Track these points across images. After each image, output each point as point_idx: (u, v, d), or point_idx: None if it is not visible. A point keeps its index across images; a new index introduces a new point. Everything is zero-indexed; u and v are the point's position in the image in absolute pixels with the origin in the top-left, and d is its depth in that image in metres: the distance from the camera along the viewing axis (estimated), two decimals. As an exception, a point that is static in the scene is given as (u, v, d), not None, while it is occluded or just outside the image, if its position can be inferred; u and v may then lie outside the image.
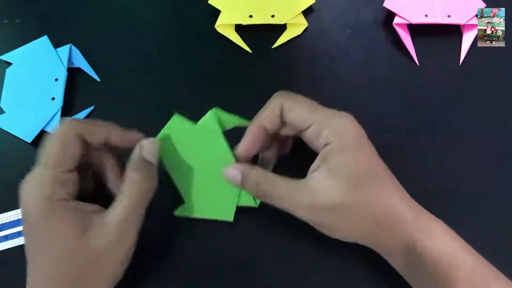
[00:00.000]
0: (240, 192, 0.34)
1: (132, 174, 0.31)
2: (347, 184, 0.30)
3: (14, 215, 0.38)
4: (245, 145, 0.34)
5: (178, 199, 0.36)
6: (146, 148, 0.32)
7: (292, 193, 0.31)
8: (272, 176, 0.32)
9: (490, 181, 0.38)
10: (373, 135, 0.40)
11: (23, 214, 0.30)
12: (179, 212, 0.35)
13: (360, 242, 0.32)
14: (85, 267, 0.29)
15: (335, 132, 0.31)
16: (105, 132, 0.32)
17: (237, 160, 0.34)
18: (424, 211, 0.32)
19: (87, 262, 0.29)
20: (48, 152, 0.31)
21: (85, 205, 0.31)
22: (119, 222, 0.30)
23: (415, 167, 0.39)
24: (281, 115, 0.33)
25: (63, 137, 0.31)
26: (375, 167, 0.32)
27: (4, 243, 0.38)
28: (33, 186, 0.30)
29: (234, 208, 0.34)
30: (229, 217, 0.35)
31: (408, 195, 0.32)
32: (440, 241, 0.30)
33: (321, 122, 0.31)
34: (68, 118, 0.33)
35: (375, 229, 0.31)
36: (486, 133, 0.40)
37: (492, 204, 0.38)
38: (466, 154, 0.39)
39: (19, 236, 0.38)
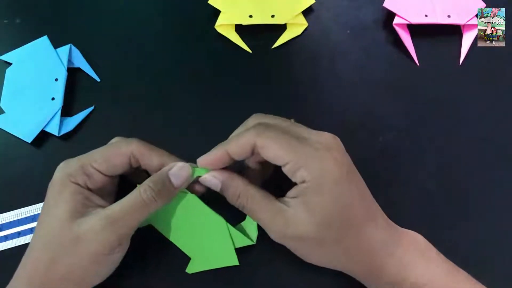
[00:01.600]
0: (232, 238, 0.34)
1: (148, 183, 0.31)
2: (321, 223, 0.30)
3: (14, 215, 0.38)
4: (204, 163, 0.33)
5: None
6: (175, 168, 0.32)
7: (268, 214, 0.31)
8: (252, 191, 0.32)
9: (490, 181, 0.38)
10: (373, 135, 0.40)
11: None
12: (190, 270, 0.35)
13: (336, 269, 0.33)
14: (63, 250, 0.30)
15: (311, 173, 0.29)
16: (160, 160, 0.33)
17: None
18: (400, 234, 0.32)
19: (66, 246, 0.30)
20: (96, 151, 0.33)
21: (95, 197, 0.32)
22: (108, 216, 0.30)
23: (415, 167, 0.39)
24: (253, 150, 0.31)
25: (117, 148, 0.33)
26: (353, 206, 0.30)
27: (4, 243, 0.38)
28: (66, 163, 0.33)
29: (234, 253, 0.34)
30: (234, 261, 0.34)
31: (384, 223, 0.32)
32: (415, 271, 0.30)
33: (296, 162, 0.30)
34: (137, 139, 0.34)
35: (348, 263, 0.31)
36: (486, 133, 0.40)
37: (492, 204, 0.38)
38: (466, 154, 0.39)
39: (19, 236, 0.38)
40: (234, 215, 0.34)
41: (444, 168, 0.39)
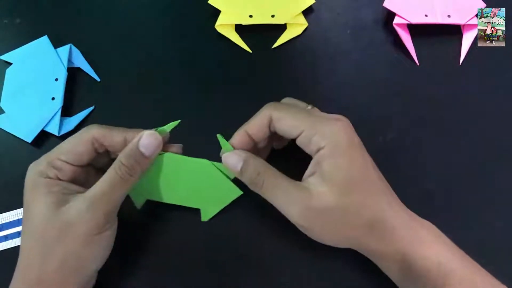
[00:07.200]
0: (223, 173, 0.35)
1: (120, 159, 0.32)
2: (342, 188, 0.30)
3: (14, 215, 0.38)
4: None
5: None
6: (143, 139, 0.32)
7: (290, 191, 0.31)
8: (274, 170, 0.32)
9: (490, 181, 0.38)
10: (373, 135, 0.40)
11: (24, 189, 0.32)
12: (204, 217, 0.37)
13: (353, 247, 0.32)
14: (53, 240, 0.30)
15: (325, 137, 0.31)
16: (122, 136, 0.33)
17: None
18: (416, 216, 0.32)
19: (55, 235, 0.30)
20: (60, 145, 0.33)
21: (71, 186, 0.32)
22: (90, 197, 0.31)
23: (415, 167, 0.39)
24: (270, 125, 0.33)
25: (79, 137, 0.33)
26: (368, 172, 0.31)
27: (4, 243, 0.38)
28: (35, 163, 0.33)
29: (233, 184, 0.35)
30: (237, 192, 0.35)
31: (399, 201, 0.32)
32: (429, 248, 0.30)
33: (311, 129, 0.31)
34: (97, 124, 0.34)
35: (368, 234, 0.31)
36: (486, 133, 0.40)
37: (492, 204, 0.38)
38: (466, 154, 0.39)
39: (19, 236, 0.38)
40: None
41: (444, 168, 0.39)
